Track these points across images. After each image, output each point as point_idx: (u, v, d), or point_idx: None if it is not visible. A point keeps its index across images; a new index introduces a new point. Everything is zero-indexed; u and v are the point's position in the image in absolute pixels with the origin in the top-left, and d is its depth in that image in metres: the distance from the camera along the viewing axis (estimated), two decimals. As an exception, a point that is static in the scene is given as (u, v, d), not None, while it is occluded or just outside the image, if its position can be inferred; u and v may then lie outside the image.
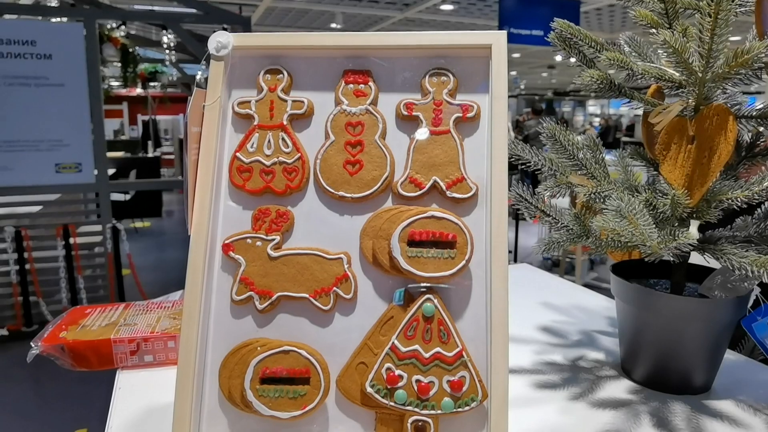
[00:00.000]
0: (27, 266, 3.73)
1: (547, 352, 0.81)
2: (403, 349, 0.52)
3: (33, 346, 0.73)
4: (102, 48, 5.81)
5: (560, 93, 22.43)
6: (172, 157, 11.63)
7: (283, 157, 0.58)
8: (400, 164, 0.58)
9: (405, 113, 0.58)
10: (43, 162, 3.77)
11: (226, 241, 0.57)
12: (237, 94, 0.60)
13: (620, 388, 0.70)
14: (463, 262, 0.53)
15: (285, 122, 0.59)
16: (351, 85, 0.59)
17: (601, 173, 0.62)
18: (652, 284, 0.75)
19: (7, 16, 4.11)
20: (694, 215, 0.61)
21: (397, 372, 0.52)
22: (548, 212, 0.66)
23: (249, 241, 0.57)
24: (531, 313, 0.97)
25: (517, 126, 9.36)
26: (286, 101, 0.59)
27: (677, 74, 0.62)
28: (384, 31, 0.60)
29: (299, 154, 0.58)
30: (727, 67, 0.53)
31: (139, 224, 9.02)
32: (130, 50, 6.17)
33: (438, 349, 0.52)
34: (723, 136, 0.55)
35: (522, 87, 21.78)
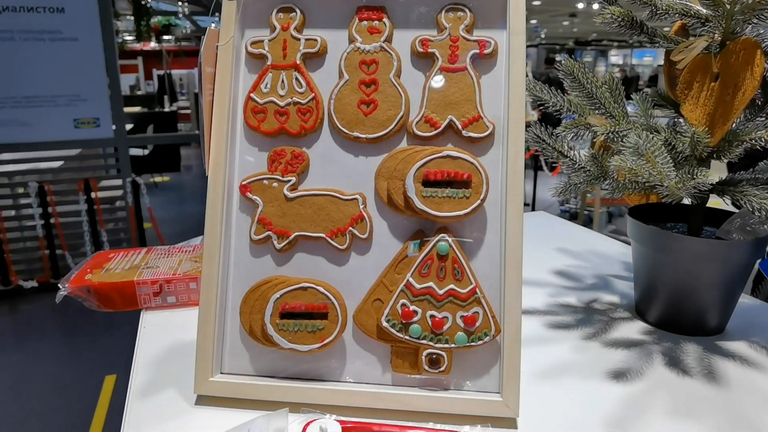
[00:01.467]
0: (51, 220, 3.82)
1: (562, 295, 0.82)
2: (418, 286, 0.53)
3: (60, 287, 0.76)
4: (114, 1, 5.75)
5: (582, 42, 21.67)
6: (188, 111, 11.60)
7: (297, 97, 0.58)
8: (415, 103, 0.57)
9: (420, 50, 0.57)
10: (61, 117, 3.80)
11: (243, 182, 0.58)
12: (250, 34, 0.60)
13: (634, 329, 0.71)
14: (478, 201, 0.53)
15: (298, 61, 0.58)
16: (365, 22, 0.58)
17: (620, 112, 0.61)
18: (669, 227, 0.74)
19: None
20: (715, 155, 0.60)
21: (412, 308, 0.53)
22: (566, 153, 0.65)
23: (266, 182, 0.57)
24: (547, 258, 0.97)
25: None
26: (299, 40, 0.58)
27: (703, 9, 0.60)
28: (399, -34, 0.59)
29: (313, 94, 0.58)
30: (757, -3, 0.51)
31: (158, 179, 9.12)
32: (143, 3, 6.09)
33: (452, 286, 0.53)
34: (749, 71, 0.53)
35: (542, 36, 21.08)
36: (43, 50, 3.83)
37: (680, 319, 0.69)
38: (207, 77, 0.57)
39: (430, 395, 0.53)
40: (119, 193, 4.03)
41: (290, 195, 0.57)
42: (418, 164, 0.54)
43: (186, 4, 7.38)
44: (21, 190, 3.90)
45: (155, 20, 8.70)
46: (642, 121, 0.72)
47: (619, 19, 0.64)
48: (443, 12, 0.57)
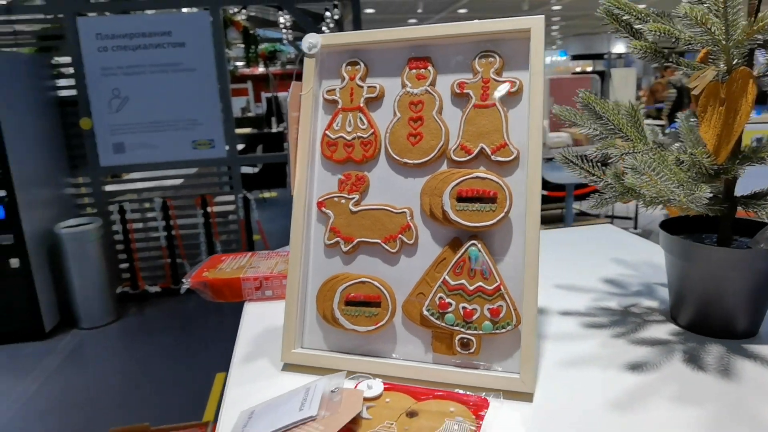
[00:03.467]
0: (173, 232, 4.32)
1: (604, 300, 0.90)
2: (452, 283, 0.66)
3: (183, 281, 0.97)
4: (226, 32, 6.36)
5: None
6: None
7: (360, 132, 0.73)
8: (454, 134, 0.70)
9: (458, 91, 0.70)
10: (181, 140, 4.32)
11: (319, 199, 0.74)
12: (326, 84, 0.76)
13: (664, 330, 0.78)
14: (502, 214, 0.65)
15: (362, 104, 0.74)
16: (414, 70, 0.72)
17: (636, 135, 0.70)
18: (703, 238, 0.80)
19: (147, 12, 4.66)
20: (722, 172, 0.66)
21: (447, 300, 0.66)
22: (591, 171, 0.75)
23: (336, 199, 0.73)
24: (599, 266, 1.04)
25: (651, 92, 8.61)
26: (362, 87, 0.74)
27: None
28: (443, 23, 0.72)
29: (372, 130, 0.73)
30: (744, 35, 0.58)
31: (267, 194, 9.79)
32: (251, 32, 6.68)
33: (480, 283, 0.65)
34: (744, 98, 0.61)
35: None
36: (166, 81, 4.38)
37: (708, 321, 0.75)
38: (293, 120, 0.75)
39: (462, 371, 0.65)
40: (232, 207, 4.47)
41: (354, 209, 0.72)
42: (453, 184, 0.67)
43: (290, 31, 7.97)
44: (147, 205, 4.44)
45: (262, 47, 9.49)
46: (690, 137, 0.80)
47: (642, 51, 0.73)
48: (477, 58, 0.70)
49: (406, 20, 14.14)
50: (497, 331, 0.64)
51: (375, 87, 0.73)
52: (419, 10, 11.21)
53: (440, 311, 0.66)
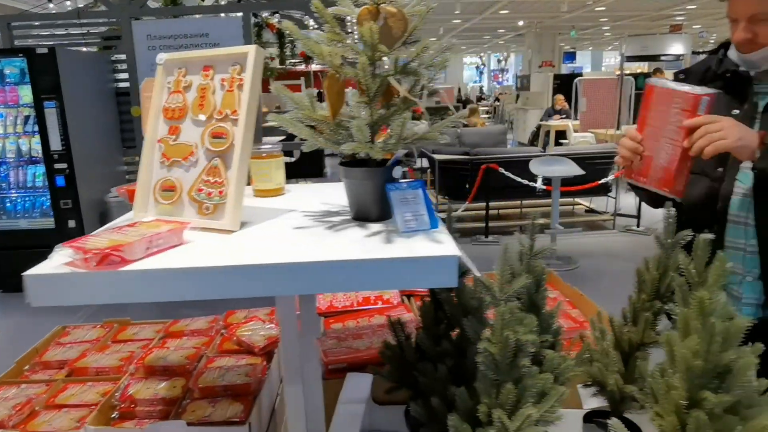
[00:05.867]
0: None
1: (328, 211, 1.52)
2: (209, 179, 1.32)
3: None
4: (261, 33, 7.18)
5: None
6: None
7: (179, 104, 1.40)
8: (218, 105, 1.36)
9: (222, 83, 1.36)
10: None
11: (159, 138, 1.42)
12: (169, 77, 1.44)
13: (347, 221, 1.40)
14: (228, 143, 1.30)
15: (181, 89, 1.41)
16: (204, 72, 1.38)
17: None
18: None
19: (189, 17, 5.53)
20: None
21: (204, 188, 1.32)
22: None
23: (165, 138, 1.40)
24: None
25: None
26: (182, 80, 1.41)
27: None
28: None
29: (185, 102, 1.40)
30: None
31: (303, 183, 10.63)
32: (285, 33, 7.47)
33: (217, 179, 1.31)
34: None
35: (712, 41, 19.30)
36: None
37: (364, 213, 1.36)
38: (145, 99, 1.43)
39: (202, 220, 1.31)
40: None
41: (172, 143, 1.39)
42: (210, 128, 1.33)
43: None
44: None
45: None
46: None
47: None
48: (231, 66, 1.35)
49: (449, 21, 14.66)
50: (222, 201, 1.29)
51: (190, 80, 1.40)
52: (456, 11, 11.76)
53: (200, 193, 1.32)
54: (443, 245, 1.09)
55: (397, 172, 1.28)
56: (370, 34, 1.15)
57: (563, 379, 1.15)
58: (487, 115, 20.76)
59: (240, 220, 1.28)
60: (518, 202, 7.76)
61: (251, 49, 1.31)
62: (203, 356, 2.07)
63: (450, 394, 1.15)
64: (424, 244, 1.10)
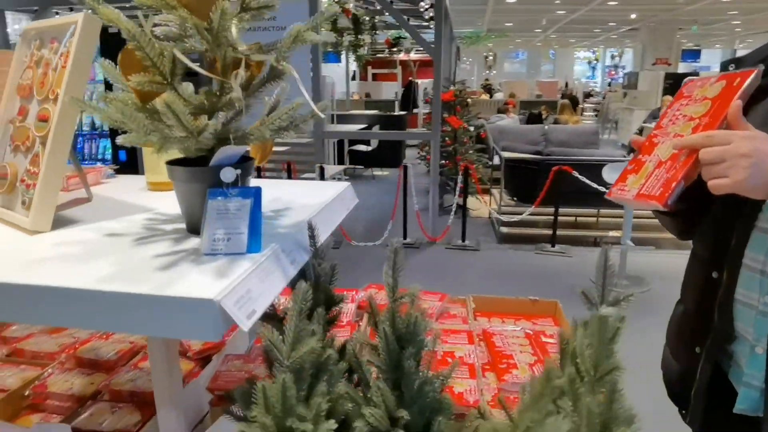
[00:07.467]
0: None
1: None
2: (31, 169, 1.13)
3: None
4: (337, 19, 7.06)
5: None
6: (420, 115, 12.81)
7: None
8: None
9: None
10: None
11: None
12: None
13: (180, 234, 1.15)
14: (48, 130, 1.10)
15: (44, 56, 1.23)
16: (54, 43, 1.19)
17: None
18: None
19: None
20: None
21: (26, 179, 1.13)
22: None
23: (17, 121, 1.24)
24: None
25: None
26: (44, 51, 1.23)
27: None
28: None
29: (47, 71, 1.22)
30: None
31: (378, 172, 10.47)
32: (360, 20, 7.30)
33: (35, 168, 1.11)
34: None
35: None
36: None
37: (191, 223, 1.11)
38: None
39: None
40: (313, 175, 5.50)
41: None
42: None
43: (410, 19, 8.41)
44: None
45: (389, 34, 10.05)
46: None
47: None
48: (67, 37, 1.15)
49: (553, 11, 13.63)
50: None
51: (41, 53, 1.22)
52: (557, 1, 10.89)
53: (21, 184, 1.13)
54: (211, 283, 0.80)
55: (228, 174, 1.01)
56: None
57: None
58: (594, 113, 19.37)
59: (49, 220, 1.08)
60: (595, 210, 7.03)
61: (79, 17, 1.09)
62: (139, 353, 1.93)
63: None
64: (194, 277, 0.83)
